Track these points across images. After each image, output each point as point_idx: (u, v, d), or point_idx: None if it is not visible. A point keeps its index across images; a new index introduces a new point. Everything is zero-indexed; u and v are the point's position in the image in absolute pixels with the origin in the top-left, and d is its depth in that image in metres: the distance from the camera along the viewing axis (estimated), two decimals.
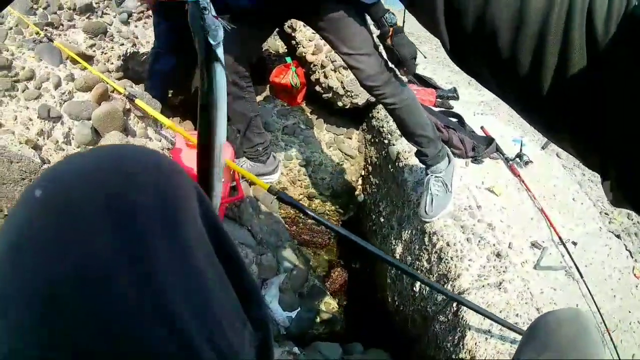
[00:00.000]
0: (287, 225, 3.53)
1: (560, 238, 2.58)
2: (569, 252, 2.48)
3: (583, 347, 1.01)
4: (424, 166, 2.69)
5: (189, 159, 2.46)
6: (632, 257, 2.69)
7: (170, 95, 3.75)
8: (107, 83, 2.15)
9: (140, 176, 0.50)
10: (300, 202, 3.73)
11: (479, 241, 2.48)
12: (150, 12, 3.28)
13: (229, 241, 0.62)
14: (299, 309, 2.78)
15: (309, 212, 1.82)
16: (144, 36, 3.05)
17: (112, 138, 1.95)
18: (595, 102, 0.53)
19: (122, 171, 0.49)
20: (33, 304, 0.42)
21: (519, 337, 2.00)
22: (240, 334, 0.56)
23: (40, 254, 0.43)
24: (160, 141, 2.35)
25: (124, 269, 0.44)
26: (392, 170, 3.29)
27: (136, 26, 3.10)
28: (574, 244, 2.61)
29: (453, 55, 0.67)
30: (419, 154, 2.62)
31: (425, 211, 2.60)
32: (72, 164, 0.50)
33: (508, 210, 2.78)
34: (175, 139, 2.52)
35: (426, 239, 2.64)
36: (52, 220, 0.44)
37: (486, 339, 2.05)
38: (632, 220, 3.02)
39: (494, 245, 2.47)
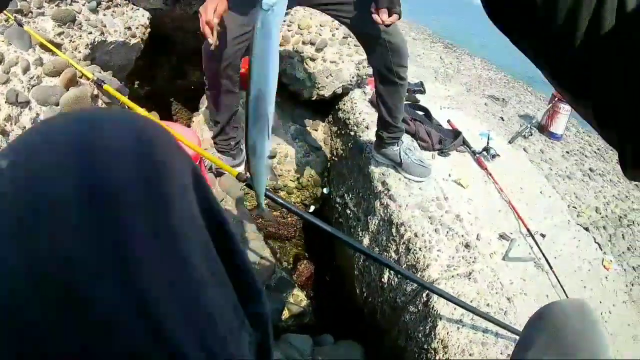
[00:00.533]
0: (252, 217, 3.50)
1: (528, 230, 2.62)
2: (537, 244, 2.52)
3: (592, 340, 1.01)
4: (390, 148, 2.89)
5: None
6: (601, 250, 2.75)
7: (135, 86, 3.69)
8: (76, 68, 2.09)
9: (119, 144, 0.42)
10: None
11: (447, 232, 2.50)
12: (118, 1, 3.22)
13: (228, 227, 0.55)
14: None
15: (278, 200, 1.80)
16: (112, 25, 2.98)
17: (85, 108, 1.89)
18: (619, 70, 0.53)
19: (97, 139, 0.42)
20: None
21: (491, 326, 2.02)
22: (237, 336, 0.51)
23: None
24: None
25: (95, 260, 0.37)
26: (358, 162, 3.28)
27: (105, 15, 3.02)
28: (543, 236, 2.65)
29: (487, 4, 0.67)
30: (396, 132, 2.80)
31: (424, 165, 2.88)
32: (41, 132, 0.43)
33: (475, 202, 2.81)
34: None
35: (394, 230, 2.65)
36: (16, 198, 0.38)
37: (458, 328, 2.06)
38: (600, 214, 3.09)
39: (462, 236, 2.49)
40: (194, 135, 2.86)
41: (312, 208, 3.94)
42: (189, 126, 3.94)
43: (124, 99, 1.91)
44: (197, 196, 0.49)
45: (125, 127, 0.44)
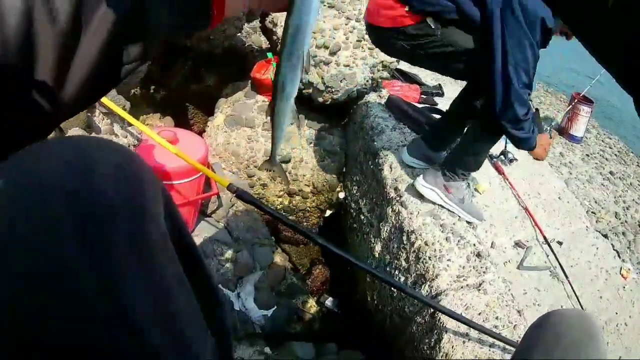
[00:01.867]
0: (266, 222, 3.47)
1: (544, 237, 2.55)
2: (553, 252, 2.45)
3: (591, 354, 0.97)
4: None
5: (159, 156, 2.39)
6: (620, 257, 2.66)
7: (151, 91, 3.68)
8: None
9: (106, 174, 0.48)
10: (281, 198, 3.68)
11: (459, 240, 2.43)
12: None
13: (193, 245, 0.64)
14: (275, 307, 2.73)
15: (267, 210, 1.77)
16: None
17: (76, 135, 1.86)
18: None
19: (87, 168, 0.48)
20: None
21: (497, 342, 1.95)
22: (202, 342, 0.56)
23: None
24: (126, 137, 2.28)
25: (84, 270, 0.43)
26: (372, 167, 3.23)
27: None
28: (559, 243, 2.58)
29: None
30: None
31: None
32: (37, 157, 0.48)
33: (491, 208, 2.74)
34: (143, 135, 2.44)
35: (404, 238, 2.58)
36: (13, 214, 0.43)
37: (463, 342, 2.00)
38: (619, 219, 2.99)
39: (474, 245, 2.42)
40: (202, 143, 2.83)
41: (327, 213, 3.91)
42: (203, 131, 3.93)
43: (120, 111, 1.87)
44: (167, 216, 0.56)
45: (113, 159, 0.51)
